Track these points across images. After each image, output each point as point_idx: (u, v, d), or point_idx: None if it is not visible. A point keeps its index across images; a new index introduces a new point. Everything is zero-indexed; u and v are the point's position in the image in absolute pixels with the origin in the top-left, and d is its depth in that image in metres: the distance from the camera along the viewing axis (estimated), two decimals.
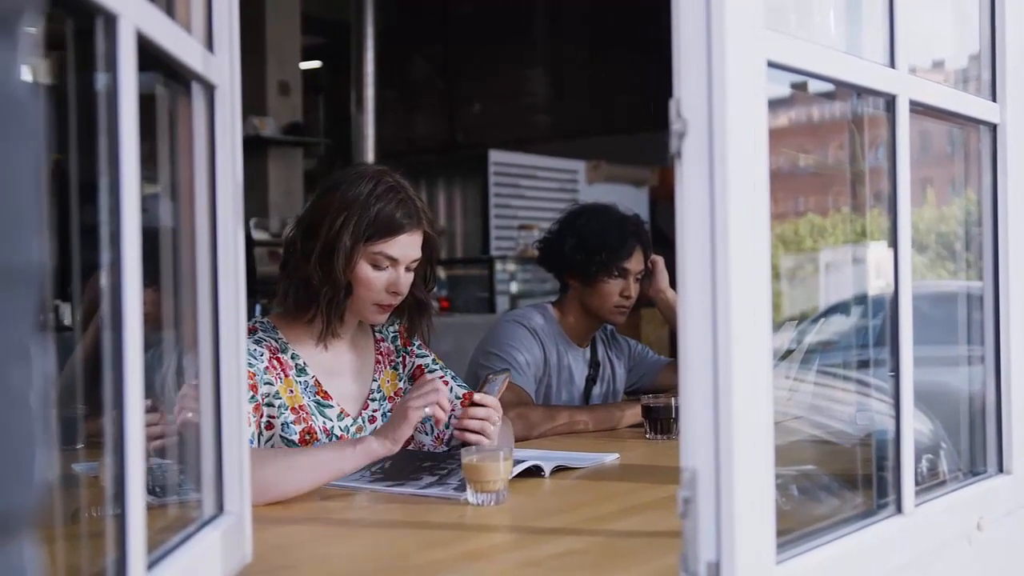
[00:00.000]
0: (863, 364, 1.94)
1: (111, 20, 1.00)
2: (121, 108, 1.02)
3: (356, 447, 1.97)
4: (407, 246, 2.20)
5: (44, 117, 0.58)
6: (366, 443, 1.97)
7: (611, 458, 2.35)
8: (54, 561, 1.11)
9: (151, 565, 1.09)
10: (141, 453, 1.03)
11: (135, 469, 1.02)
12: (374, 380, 2.34)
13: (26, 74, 0.58)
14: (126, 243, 1.02)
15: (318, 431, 2.18)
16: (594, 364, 3.13)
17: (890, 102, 1.53)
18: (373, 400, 2.32)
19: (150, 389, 1.07)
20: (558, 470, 2.16)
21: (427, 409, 1.97)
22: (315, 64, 10.13)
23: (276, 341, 2.21)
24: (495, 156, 8.19)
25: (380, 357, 2.37)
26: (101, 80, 1.03)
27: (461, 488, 1.90)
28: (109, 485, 1.04)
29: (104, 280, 1.02)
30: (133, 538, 1.01)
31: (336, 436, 2.21)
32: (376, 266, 2.18)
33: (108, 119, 1.02)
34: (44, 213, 0.58)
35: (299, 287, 2.20)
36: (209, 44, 1.35)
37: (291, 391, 2.17)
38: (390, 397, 2.35)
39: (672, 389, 2.97)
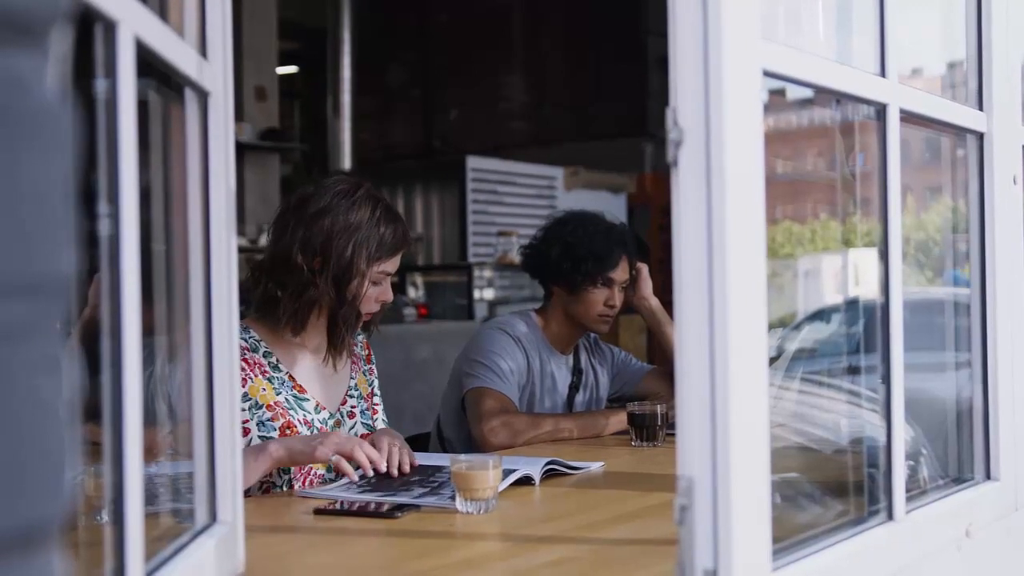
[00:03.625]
0: (848, 371, 1.95)
1: (110, 27, 1.00)
2: (120, 114, 1.01)
3: (259, 457, 2.03)
4: (399, 260, 2.35)
5: (73, 126, 0.58)
6: (267, 451, 2.04)
7: (597, 466, 2.35)
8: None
9: (148, 575, 1.08)
10: (140, 462, 1.02)
11: (134, 479, 1.01)
12: (351, 378, 2.43)
13: (57, 83, 0.57)
14: (125, 249, 1.01)
15: (297, 424, 2.24)
16: (577, 371, 3.13)
17: (880, 111, 1.54)
18: (351, 396, 2.41)
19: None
20: (549, 474, 2.17)
21: (333, 458, 2.05)
22: (292, 69, 10.11)
23: (246, 340, 2.23)
24: (472, 162, 8.17)
25: (355, 358, 2.47)
26: (99, 86, 1.02)
27: (455, 498, 1.89)
28: (98, 493, 1.03)
29: (102, 286, 1.01)
30: (131, 548, 1.00)
31: (316, 428, 2.28)
32: (374, 283, 2.30)
33: (107, 125, 1.01)
34: (73, 223, 0.58)
35: (308, 307, 2.25)
36: (203, 51, 1.34)
37: (263, 389, 2.23)
38: (366, 396, 2.45)
39: (655, 396, 2.98)
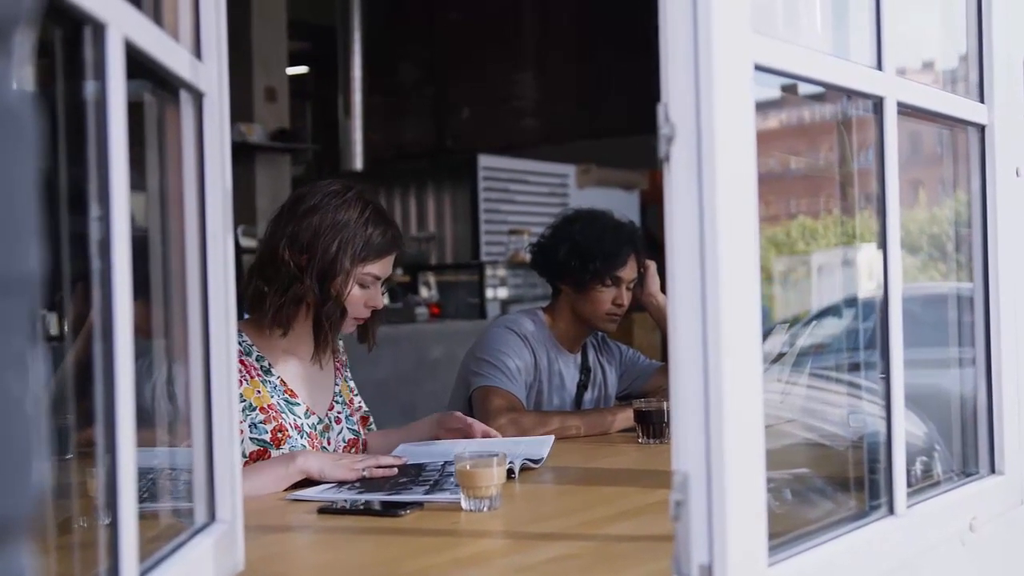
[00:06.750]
0: (855, 367, 1.95)
1: (99, 28, 1.00)
2: (110, 116, 1.01)
3: (288, 467, 2.08)
4: (389, 265, 2.36)
5: (39, 126, 0.59)
6: (295, 463, 2.08)
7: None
8: (47, 570, 1.11)
9: (143, 573, 1.09)
10: (133, 462, 1.02)
11: (127, 479, 1.01)
12: (336, 384, 2.45)
13: (21, 83, 0.58)
14: (116, 252, 1.01)
15: (289, 428, 2.26)
16: (585, 370, 3.13)
17: (878, 104, 1.53)
18: (337, 402, 2.43)
19: (140, 399, 1.07)
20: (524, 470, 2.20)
21: (365, 472, 2.12)
22: (302, 69, 10.12)
23: (240, 345, 2.25)
24: (484, 161, 8.17)
25: (339, 365, 2.49)
26: (89, 88, 1.02)
27: (456, 492, 1.90)
28: (98, 495, 1.04)
29: (94, 289, 1.02)
30: (126, 547, 1.01)
31: (306, 433, 2.30)
32: (362, 285, 2.31)
33: (97, 127, 1.01)
34: (40, 222, 0.58)
35: (292, 304, 2.26)
36: (197, 52, 1.35)
37: (258, 392, 2.25)
38: (348, 402, 2.47)
39: (664, 393, 2.97)
